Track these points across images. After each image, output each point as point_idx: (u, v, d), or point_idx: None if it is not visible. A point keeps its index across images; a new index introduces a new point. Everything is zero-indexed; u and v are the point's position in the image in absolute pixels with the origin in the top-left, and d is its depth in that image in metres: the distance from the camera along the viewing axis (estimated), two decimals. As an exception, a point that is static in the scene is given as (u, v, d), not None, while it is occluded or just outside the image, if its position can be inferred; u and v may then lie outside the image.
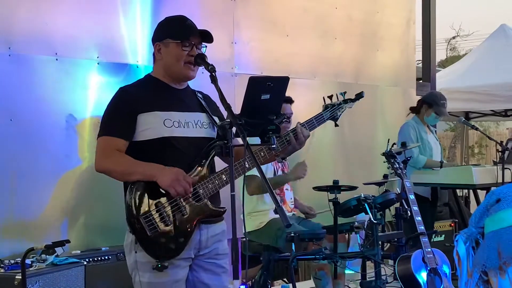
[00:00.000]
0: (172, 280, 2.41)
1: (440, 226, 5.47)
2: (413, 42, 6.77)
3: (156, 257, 2.36)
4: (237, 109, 2.33)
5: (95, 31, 4.17)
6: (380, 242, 4.00)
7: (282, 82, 2.40)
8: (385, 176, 4.61)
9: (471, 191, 6.45)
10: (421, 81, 7.17)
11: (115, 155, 2.42)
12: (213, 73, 2.36)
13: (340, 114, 2.74)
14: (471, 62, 8.69)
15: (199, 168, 2.45)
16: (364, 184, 4.62)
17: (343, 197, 4.03)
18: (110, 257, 3.71)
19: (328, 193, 3.98)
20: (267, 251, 3.83)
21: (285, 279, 4.68)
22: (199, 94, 2.65)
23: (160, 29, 2.58)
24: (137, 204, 2.37)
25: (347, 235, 4.25)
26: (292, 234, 3.64)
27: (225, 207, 2.51)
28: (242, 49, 5.07)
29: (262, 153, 2.51)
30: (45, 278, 3.13)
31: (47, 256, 3.25)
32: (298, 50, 5.48)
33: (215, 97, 2.53)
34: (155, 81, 2.55)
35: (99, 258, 3.65)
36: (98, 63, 4.16)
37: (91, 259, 3.59)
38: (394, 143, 4.43)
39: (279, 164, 4.17)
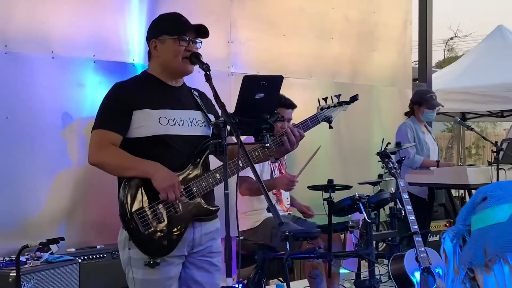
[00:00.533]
0: (165, 277, 2.42)
1: (435, 226, 5.50)
2: (410, 43, 6.79)
3: (148, 254, 2.37)
4: (233, 108, 2.35)
5: (92, 30, 4.18)
6: (374, 242, 4.02)
7: (276, 81, 2.42)
8: (380, 176, 4.63)
9: (466, 191, 6.47)
10: (417, 81, 7.20)
11: (109, 149, 2.43)
12: (208, 72, 2.38)
13: (334, 116, 2.75)
14: (467, 63, 8.72)
15: (193, 166, 2.47)
16: (359, 183, 4.64)
17: (337, 196, 4.04)
18: (105, 255, 3.72)
19: (323, 192, 4.00)
20: (262, 250, 3.84)
21: (280, 278, 4.69)
22: (195, 92, 2.66)
23: (155, 26, 2.59)
24: (130, 200, 2.38)
25: (342, 235, 4.27)
26: (287, 233, 3.65)
27: (218, 206, 2.52)
28: (239, 48, 5.09)
29: (256, 153, 2.52)
30: (40, 276, 3.14)
31: (42, 253, 3.26)
32: (294, 50, 5.50)
33: (210, 95, 2.54)
34: (151, 78, 2.56)
35: (94, 256, 3.66)
36: (94, 62, 4.17)
37: (85, 257, 3.60)
38: (388, 143, 4.45)
39: (276, 163, 4.18)
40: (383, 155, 4.18)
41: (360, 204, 3.88)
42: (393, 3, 6.57)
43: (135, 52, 4.41)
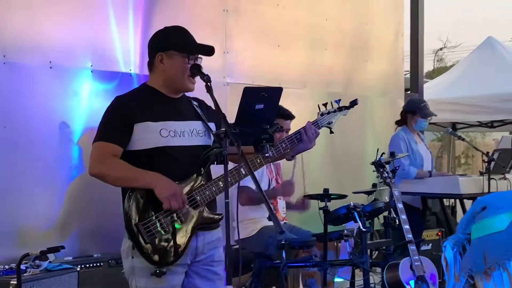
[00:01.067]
0: (169, 285, 2.45)
1: (427, 235, 5.54)
2: (402, 54, 6.87)
3: (154, 263, 2.40)
4: (229, 117, 2.39)
5: (89, 40, 4.21)
6: (368, 250, 4.06)
7: (275, 92, 2.47)
8: (374, 185, 4.68)
9: (457, 200, 6.55)
10: (409, 91, 7.27)
11: (110, 160, 2.46)
12: (209, 83, 2.42)
13: (335, 121, 2.79)
14: (458, 74, 8.81)
15: (196, 175, 2.50)
16: (354, 193, 4.69)
17: (333, 205, 4.09)
18: (102, 263, 3.74)
19: (319, 201, 4.04)
20: (259, 258, 3.87)
21: (274, 287, 4.71)
22: (194, 102, 2.69)
23: (162, 40, 2.61)
24: (135, 211, 2.41)
25: (336, 243, 4.30)
26: (283, 242, 3.69)
27: (222, 214, 2.55)
28: (234, 58, 5.13)
29: (258, 160, 2.56)
30: (40, 284, 3.16)
31: (40, 262, 3.28)
32: (289, 60, 5.56)
33: (209, 103, 2.58)
34: (151, 91, 2.60)
35: (91, 265, 3.68)
36: (91, 71, 4.20)
37: (83, 266, 3.62)
38: (383, 153, 4.50)
39: (273, 173, 4.22)
40: (378, 165, 4.23)
41: (355, 213, 3.92)
42: (386, 15, 6.66)
43: (132, 63, 4.44)
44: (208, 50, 2.57)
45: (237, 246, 2.81)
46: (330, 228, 4.06)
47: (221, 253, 2.61)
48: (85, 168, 3.84)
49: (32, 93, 3.92)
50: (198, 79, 2.55)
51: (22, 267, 3.11)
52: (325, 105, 2.80)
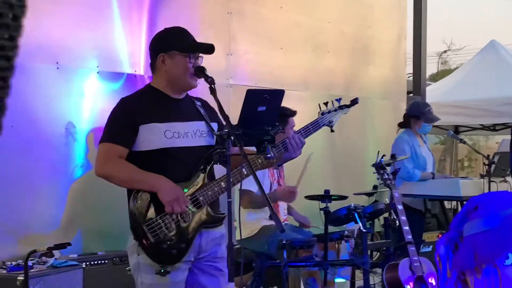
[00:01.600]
0: (173, 282, 2.50)
1: (428, 237, 5.57)
2: (404, 57, 6.92)
3: (159, 262, 2.46)
4: (232, 119, 2.44)
5: (95, 42, 4.28)
6: (369, 251, 4.10)
7: (278, 94, 2.52)
8: (375, 187, 4.72)
9: (459, 203, 6.58)
10: (411, 94, 7.30)
11: (116, 161, 2.51)
12: (212, 85, 2.47)
13: (336, 120, 2.82)
14: (461, 77, 8.83)
15: (199, 176, 2.56)
16: (354, 194, 4.73)
17: (333, 206, 4.13)
18: (106, 261, 3.80)
19: (320, 202, 4.08)
20: (260, 258, 3.92)
21: (275, 287, 4.76)
22: (197, 102, 2.73)
23: (164, 41, 2.66)
24: (140, 211, 2.46)
25: (336, 244, 4.34)
26: (284, 241, 3.73)
27: (225, 213, 2.60)
28: (237, 61, 5.19)
29: (259, 160, 2.60)
30: (46, 280, 3.22)
31: (47, 258, 3.34)
32: (291, 63, 5.61)
33: (212, 105, 2.64)
34: (155, 92, 2.64)
35: (96, 262, 3.74)
36: (97, 72, 4.27)
37: (88, 263, 3.69)
38: (384, 155, 4.54)
39: (275, 175, 4.25)
40: (379, 167, 4.28)
41: (356, 214, 3.97)
42: (388, 18, 6.71)
43: (137, 64, 4.51)
44: (208, 48, 2.61)
45: (238, 246, 2.86)
46: (331, 229, 4.11)
47: (224, 250, 2.65)
48: (91, 167, 3.91)
49: (39, 94, 3.98)
50: (202, 81, 2.61)
51: (29, 263, 3.18)
52: (326, 104, 2.83)
